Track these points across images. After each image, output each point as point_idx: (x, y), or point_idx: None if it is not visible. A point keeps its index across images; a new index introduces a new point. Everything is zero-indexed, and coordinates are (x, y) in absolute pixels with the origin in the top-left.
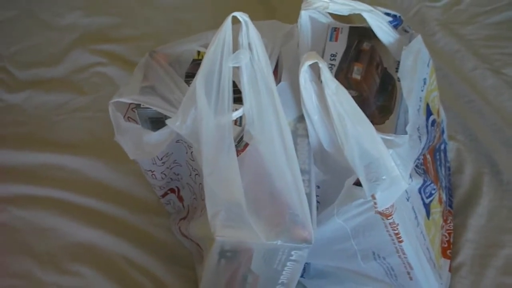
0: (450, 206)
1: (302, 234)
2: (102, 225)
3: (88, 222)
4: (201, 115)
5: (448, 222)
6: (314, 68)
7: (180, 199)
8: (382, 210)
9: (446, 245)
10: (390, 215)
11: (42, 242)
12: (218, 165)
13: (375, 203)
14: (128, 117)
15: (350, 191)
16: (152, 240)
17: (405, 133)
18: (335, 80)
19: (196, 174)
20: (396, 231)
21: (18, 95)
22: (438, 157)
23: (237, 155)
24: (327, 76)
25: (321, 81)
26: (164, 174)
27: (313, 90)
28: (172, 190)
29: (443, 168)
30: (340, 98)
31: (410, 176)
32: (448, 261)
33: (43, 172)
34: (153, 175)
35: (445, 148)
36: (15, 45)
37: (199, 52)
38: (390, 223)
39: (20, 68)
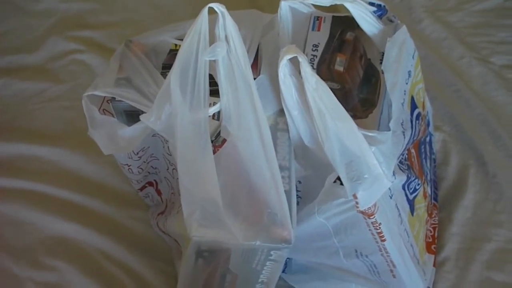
0: (435, 199)
1: (281, 234)
2: (79, 218)
3: (64, 215)
4: (176, 111)
5: (433, 216)
6: (295, 61)
7: (159, 192)
8: (364, 210)
9: (430, 240)
10: (372, 215)
11: (17, 236)
12: (194, 162)
13: (356, 203)
14: (104, 109)
15: (331, 190)
16: (130, 234)
17: (389, 128)
18: (315, 74)
19: (174, 169)
20: (379, 230)
21: None
22: (423, 150)
23: (215, 151)
24: (307, 70)
25: (301, 74)
26: (141, 168)
27: (293, 85)
28: (150, 184)
29: (428, 161)
30: (320, 93)
31: (393, 174)
32: (433, 256)
33: (18, 163)
34: (129, 169)
35: (430, 140)
36: None
37: None
38: (372, 222)
39: None
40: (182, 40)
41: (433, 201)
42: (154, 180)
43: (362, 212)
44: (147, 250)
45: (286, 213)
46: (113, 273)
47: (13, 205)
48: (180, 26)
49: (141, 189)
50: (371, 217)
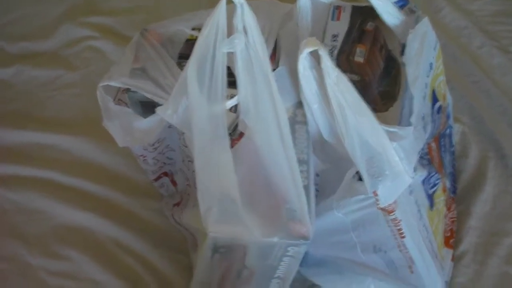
0: (454, 192)
1: (300, 230)
2: (93, 207)
3: (78, 204)
4: (192, 104)
5: (452, 210)
6: (314, 53)
7: (174, 183)
8: (384, 206)
9: (449, 234)
10: (393, 211)
11: (31, 224)
12: (211, 157)
13: (377, 200)
14: (119, 99)
15: (350, 186)
16: (145, 223)
17: (410, 123)
18: (336, 68)
19: (189, 161)
20: (399, 227)
21: (6, 70)
22: (443, 143)
23: (232, 145)
24: (327, 64)
25: (322, 68)
26: (156, 159)
27: (313, 78)
28: (165, 174)
29: (447, 154)
30: (341, 87)
31: (414, 170)
32: (451, 250)
33: (32, 152)
34: (144, 160)
35: (450, 132)
36: (3, 18)
37: None
38: (392, 219)
39: (8, 41)
40: (199, 30)
41: (451, 194)
42: (170, 170)
43: (382, 209)
44: (162, 240)
45: (304, 208)
46: (127, 263)
47: (26, 193)
48: (197, 16)
49: (156, 179)
50: (391, 214)
